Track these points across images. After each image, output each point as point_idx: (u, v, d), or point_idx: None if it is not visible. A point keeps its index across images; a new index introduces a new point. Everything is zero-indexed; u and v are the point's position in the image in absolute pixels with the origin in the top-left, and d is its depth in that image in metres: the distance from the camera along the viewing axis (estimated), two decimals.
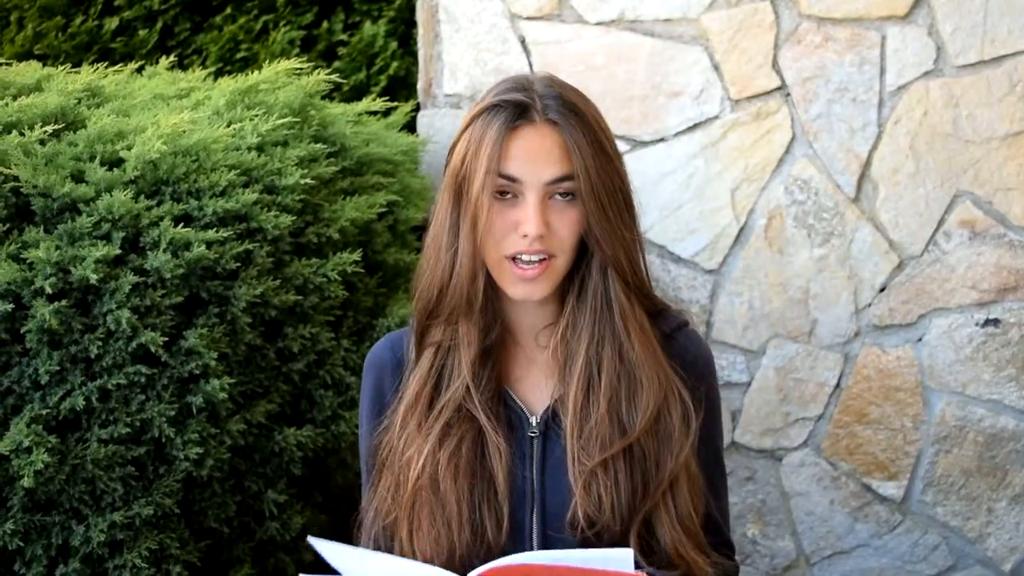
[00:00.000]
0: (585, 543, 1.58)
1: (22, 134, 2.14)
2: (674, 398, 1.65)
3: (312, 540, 1.52)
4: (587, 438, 1.62)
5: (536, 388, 1.69)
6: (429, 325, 1.68)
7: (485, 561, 1.51)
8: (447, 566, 1.55)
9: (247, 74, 2.55)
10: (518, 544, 1.62)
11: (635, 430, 1.62)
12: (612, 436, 1.62)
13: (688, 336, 1.73)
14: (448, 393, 1.65)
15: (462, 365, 1.65)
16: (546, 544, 1.61)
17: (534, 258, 1.61)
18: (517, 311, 1.69)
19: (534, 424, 1.67)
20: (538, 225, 1.58)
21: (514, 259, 1.61)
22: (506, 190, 1.60)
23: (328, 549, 1.51)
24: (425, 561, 1.57)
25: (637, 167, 2.75)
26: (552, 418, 1.66)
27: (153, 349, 2.03)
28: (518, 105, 1.60)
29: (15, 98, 2.28)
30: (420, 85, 2.91)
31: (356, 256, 2.33)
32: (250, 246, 2.17)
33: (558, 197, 1.60)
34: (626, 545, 1.59)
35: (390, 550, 1.64)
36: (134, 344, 2.03)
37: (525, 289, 1.63)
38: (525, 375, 1.70)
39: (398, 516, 1.64)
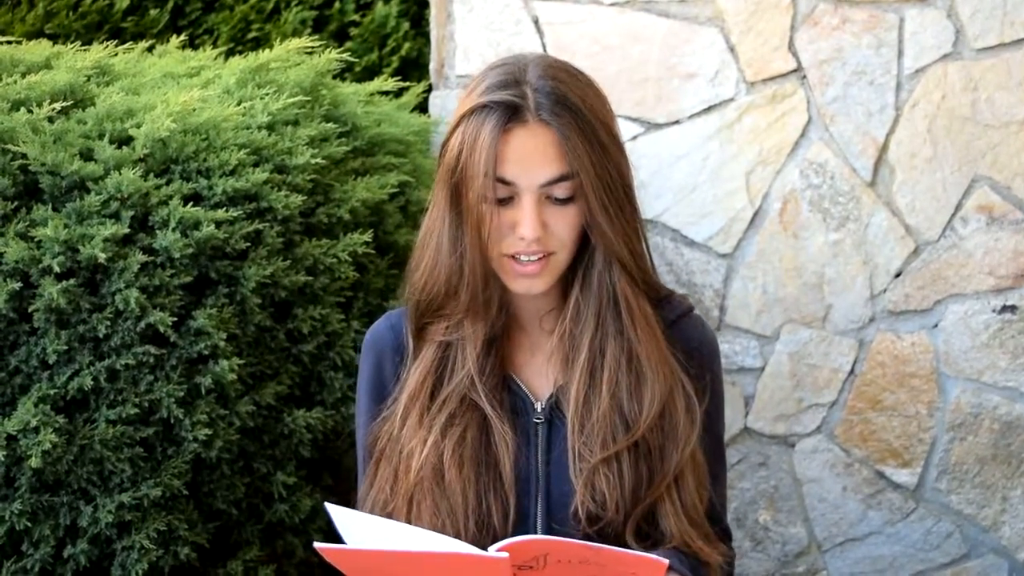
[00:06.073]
0: (588, 538, 1.57)
1: (30, 111, 2.13)
2: (679, 392, 1.63)
3: (328, 506, 1.51)
4: (588, 434, 1.60)
5: (541, 373, 1.67)
6: (430, 320, 1.66)
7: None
8: None
9: (258, 53, 2.53)
10: (523, 533, 1.60)
11: (639, 427, 1.60)
12: (615, 432, 1.60)
13: (692, 323, 1.71)
14: (451, 385, 1.64)
15: (467, 357, 1.63)
16: (550, 533, 1.60)
17: (533, 257, 1.59)
18: (520, 297, 1.67)
19: (539, 410, 1.65)
20: (534, 228, 1.56)
21: (513, 256, 1.60)
22: (501, 192, 1.56)
23: (342, 516, 1.49)
24: None
25: (651, 149, 2.73)
26: (556, 405, 1.64)
27: (162, 329, 2.02)
28: (509, 106, 1.55)
29: (24, 75, 2.26)
30: (432, 66, 2.89)
31: (367, 237, 2.31)
32: (260, 226, 2.16)
33: (555, 196, 1.57)
34: (624, 535, 1.58)
35: None
36: (143, 324, 2.01)
37: (526, 284, 1.61)
38: (530, 360, 1.69)
39: (396, 507, 1.62)
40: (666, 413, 1.61)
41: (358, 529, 1.49)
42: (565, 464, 1.61)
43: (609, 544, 1.51)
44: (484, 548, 1.45)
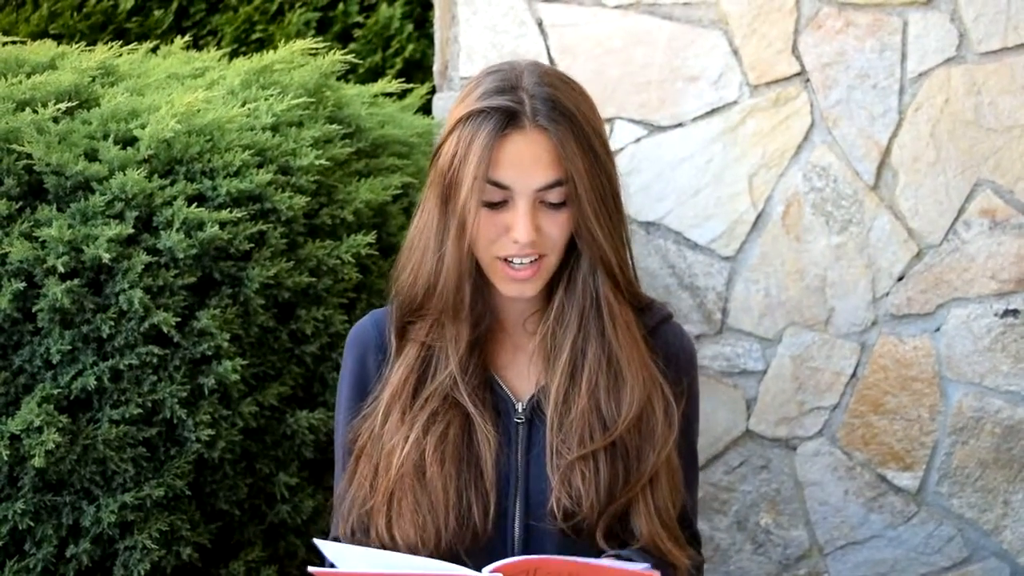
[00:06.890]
0: (563, 534, 1.60)
1: (35, 112, 2.13)
2: (658, 396, 1.66)
3: (317, 542, 1.52)
4: (567, 431, 1.63)
5: (522, 375, 1.70)
6: (412, 320, 1.69)
7: (470, 548, 1.56)
8: (433, 553, 1.57)
9: (262, 54, 2.54)
10: (501, 531, 1.63)
11: (617, 427, 1.62)
12: (592, 431, 1.63)
13: (672, 330, 1.74)
14: (434, 384, 1.66)
15: (449, 357, 1.66)
16: (527, 532, 1.63)
17: (526, 260, 1.62)
18: (505, 299, 1.69)
19: (520, 410, 1.67)
20: (528, 232, 1.59)
21: (506, 260, 1.62)
22: (496, 196, 1.59)
23: (332, 550, 1.50)
24: (409, 549, 1.58)
25: (654, 152, 2.73)
26: (537, 405, 1.67)
27: (165, 330, 2.02)
28: (507, 111, 1.58)
29: (29, 76, 2.27)
30: (436, 68, 2.89)
31: (370, 238, 2.31)
32: (264, 227, 2.16)
33: (549, 201, 1.60)
34: (595, 532, 1.61)
35: (366, 536, 1.64)
36: (146, 324, 2.02)
37: (517, 287, 1.64)
38: (512, 361, 1.71)
39: (375, 504, 1.63)
40: (644, 416, 1.64)
41: (349, 560, 1.50)
42: (544, 462, 1.64)
43: (583, 545, 1.56)
44: (464, 544, 1.50)
